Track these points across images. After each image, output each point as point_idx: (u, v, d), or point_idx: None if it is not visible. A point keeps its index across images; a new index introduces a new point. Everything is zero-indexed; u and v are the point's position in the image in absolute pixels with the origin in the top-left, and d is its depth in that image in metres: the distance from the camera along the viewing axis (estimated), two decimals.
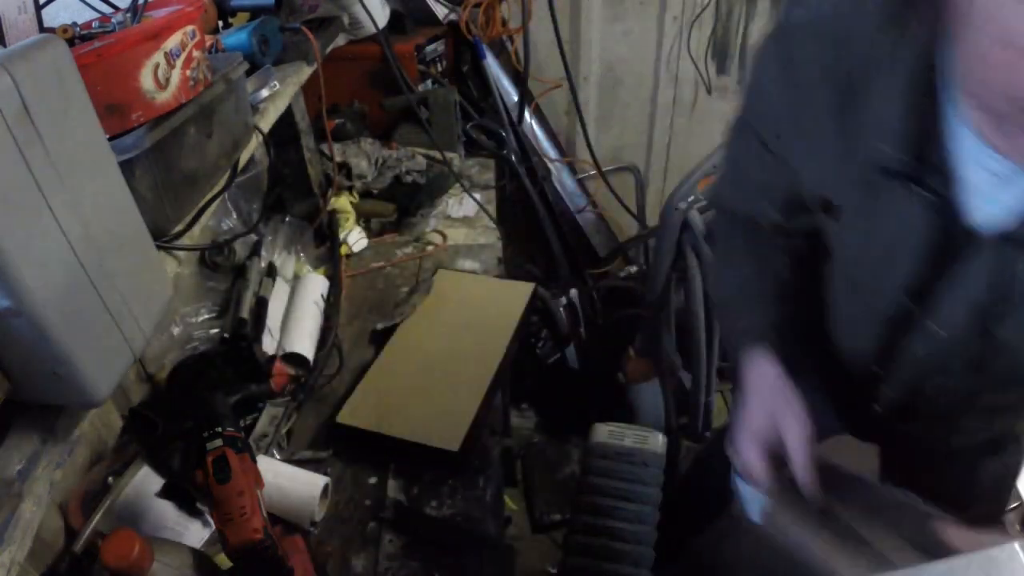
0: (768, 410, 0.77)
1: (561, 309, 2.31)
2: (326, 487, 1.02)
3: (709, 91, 2.59)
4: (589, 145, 2.51)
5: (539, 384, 2.28)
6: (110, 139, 0.73)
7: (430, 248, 1.66)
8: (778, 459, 0.75)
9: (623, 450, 1.30)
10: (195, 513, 0.94)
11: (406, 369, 1.21)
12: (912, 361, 0.76)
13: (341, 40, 1.79)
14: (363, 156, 1.71)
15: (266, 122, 1.18)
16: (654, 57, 2.51)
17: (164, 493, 0.91)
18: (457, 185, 1.84)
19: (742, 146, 0.84)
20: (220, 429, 0.80)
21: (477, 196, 1.79)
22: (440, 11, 2.11)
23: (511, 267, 2.45)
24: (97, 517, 0.85)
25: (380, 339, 1.32)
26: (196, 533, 0.93)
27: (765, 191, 0.83)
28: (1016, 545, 0.39)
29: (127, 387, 1.02)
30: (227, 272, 1.36)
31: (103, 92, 0.74)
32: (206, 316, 1.26)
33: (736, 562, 0.99)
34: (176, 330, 1.19)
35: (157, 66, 0.79)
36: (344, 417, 1.12)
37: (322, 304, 1.40)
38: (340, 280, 1.51)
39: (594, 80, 2.54)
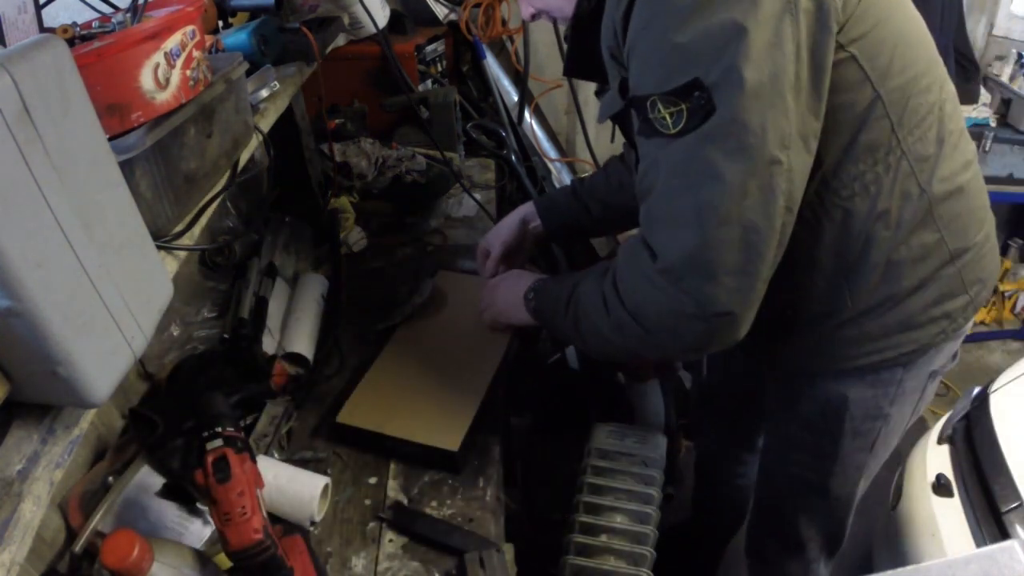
0: None
1: None
2: (326, 487, 1.02)
3: None
4: (589, 145, 2.51)
5: (539, 384, 2.28)
6: (110, 139, 0.73)
7: (430, 248, 1.66)
8: None
9: (623, 450, 1.30)
10: (195, 513, 0.94)
11: (406, 369, 1.21)
12: None
13: (341, 40, 1.79)
14: (363, 156, 1.71)
15: (266, 122, 1.18)
16: None
17: (164, 493, 0.91)
18: (457, 185, 1.84)
19: None
20: (220, 429, 0.80)
21: (477, 196, 1.79)
22: (440, 11, 2.11)
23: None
24: (97, 517, 0.85)
25: (380, 339, 1.32)
26: (196, 533, 0.93)
27: None
28: (1016, 545, 0.39)
29: (127, 387, 1.02)
30: (227, 272, 1.36)
31: (103, 92, 0.74)
32: (206, 316, 1.27)
33: None
34: (176, 330, 1.19)
35: (157, 66, 0.79)
36: (344, 417, 1.12)
37: (322, 304, 1.40)
38: (340, 280, 1.51)
39: None
